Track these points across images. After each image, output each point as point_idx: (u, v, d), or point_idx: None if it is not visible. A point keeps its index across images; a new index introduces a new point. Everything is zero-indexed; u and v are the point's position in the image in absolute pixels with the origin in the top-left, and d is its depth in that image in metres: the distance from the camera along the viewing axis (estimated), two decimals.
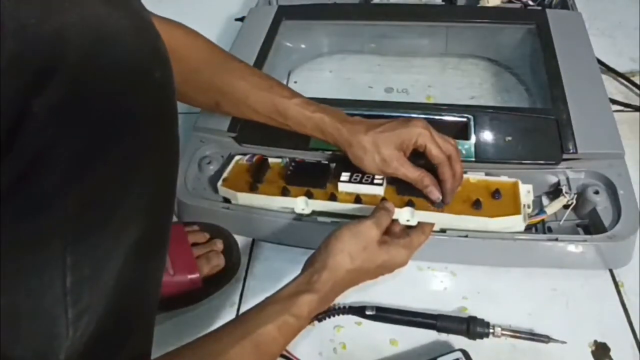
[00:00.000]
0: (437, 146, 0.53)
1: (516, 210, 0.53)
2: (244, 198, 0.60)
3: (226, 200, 0.63)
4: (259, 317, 0.43)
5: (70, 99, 0.26)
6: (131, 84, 0.29)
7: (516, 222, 0.53)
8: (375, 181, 0.56)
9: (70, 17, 0.26)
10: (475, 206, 0.54)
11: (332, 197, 0.57)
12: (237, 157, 0.64)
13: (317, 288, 0.45)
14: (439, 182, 0.54)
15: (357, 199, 0.56)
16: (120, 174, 0.28)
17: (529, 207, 0.56)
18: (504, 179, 0.57)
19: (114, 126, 0.28)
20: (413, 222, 0.54)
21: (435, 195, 0.53)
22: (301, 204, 0.58)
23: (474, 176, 0.58)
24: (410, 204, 0.54)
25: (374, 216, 0.50)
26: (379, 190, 0.56)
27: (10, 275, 0.25)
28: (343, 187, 0.57)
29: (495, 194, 0.55)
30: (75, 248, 0.26)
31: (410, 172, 0.53)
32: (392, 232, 0.52)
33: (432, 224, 0.54)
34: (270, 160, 0.63)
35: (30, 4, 0.26)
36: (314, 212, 0.59)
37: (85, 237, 0.27)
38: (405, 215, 0.54)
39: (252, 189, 0.59)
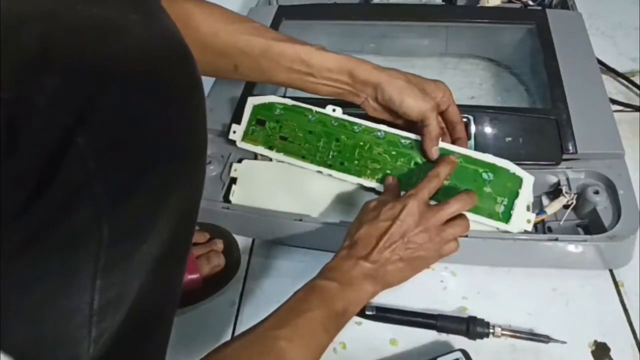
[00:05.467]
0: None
1: None
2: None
3: (226, 199, 0.63)
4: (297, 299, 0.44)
5: (112, 132, 0.25)
6: (169, 113, 0.29)
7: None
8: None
9: (116, 46, 0.26)
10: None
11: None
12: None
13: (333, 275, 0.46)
14: (455, 141, 0.58)
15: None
16: (154, 200, 0.28)
17: (529, 207, 0.56)
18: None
19: (150, 155, 0.28)
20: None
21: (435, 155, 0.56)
22: (329, 109, 0.61)
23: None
24: None
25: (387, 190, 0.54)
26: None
27: (38, 303, 0.25)
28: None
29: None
30: (105, 273, 0.26)
31: (435, 125, 0.55)
32: None
33: (471, 196, 0.52)
34: None
35: (80, 33, 0.26)
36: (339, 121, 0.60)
37: (117, 263, 0.27)
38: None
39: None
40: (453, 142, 0.58)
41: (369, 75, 0.55)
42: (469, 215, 0.52)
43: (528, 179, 0.54)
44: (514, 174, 0.55)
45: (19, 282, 0.24)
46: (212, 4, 0.58)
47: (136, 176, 0.27)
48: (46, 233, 0.24)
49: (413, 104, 0.54)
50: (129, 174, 0.26)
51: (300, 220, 0.59)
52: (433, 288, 0.57)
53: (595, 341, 0.52)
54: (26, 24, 0.25)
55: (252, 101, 0.63)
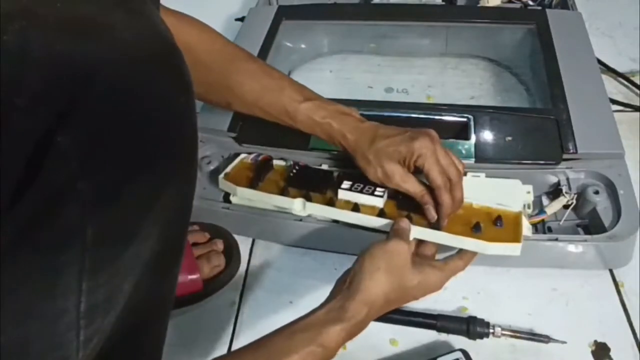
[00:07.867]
0: (437, 169, 0.51)
1: (516, 238, 0.50)
2: (243, 193, 0.59)
3: (226, 199, 0.63)
4: (285, 346, 0.40)
5: (95, 132, 0.25)
6: (156, 113, 0.28)
7: (514, 250, 0.49)
8: (376, 193, 0.54)
9: (99, 45, 0.26)
10: (475, 229, 0.51)
11: (330, 203, 0.56)
12: (242, 155, 0.64)
13: (349, 317, 0.42)
14: (436, 205, 0.52)
15: (355, 208, 0.54)
16: (141, 202, 0.28)
17: (529, 207, 0.56)
18: (507, 208, 0.54)
19: (136, 156, 0.27)
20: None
21: (431, 214, 0.51)
22: (299, 206, 0.57)
23: (474, 177, 0.58)
24: (409, 218, 0.52)
25: (397, 234, 0.48)
26: (379, 202, 0.54)
27: (23, 305, 0.24)
28: (343, 195, 0.56)
29: (497, 221, 0.51)
30: (92, 275, 0.26)
31: (412, 187, 0.52)
32: (424, 255, 0.51)
33: (475, 253, 0.50)
34: (275, 162, 0.62)
35: (61, 31, 0.25)
36: (310, 217, 0.59)
37: (103, 265, 0.26)
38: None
39: (253, 186, 0.59)
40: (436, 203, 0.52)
41: (346, 145, 0.55)
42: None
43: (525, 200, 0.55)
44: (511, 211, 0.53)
45: (3, 283, 0.23)
46: (214, 33, 0.59)
47: (122, 177, 0.26)
48: (29, 234, 0.23)
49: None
50: (114, 174, 0.26)
51: (300, 220, 0.59)
52: None
53: (595, 341, 0.52)
54: (5, 22, 0.24)
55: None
